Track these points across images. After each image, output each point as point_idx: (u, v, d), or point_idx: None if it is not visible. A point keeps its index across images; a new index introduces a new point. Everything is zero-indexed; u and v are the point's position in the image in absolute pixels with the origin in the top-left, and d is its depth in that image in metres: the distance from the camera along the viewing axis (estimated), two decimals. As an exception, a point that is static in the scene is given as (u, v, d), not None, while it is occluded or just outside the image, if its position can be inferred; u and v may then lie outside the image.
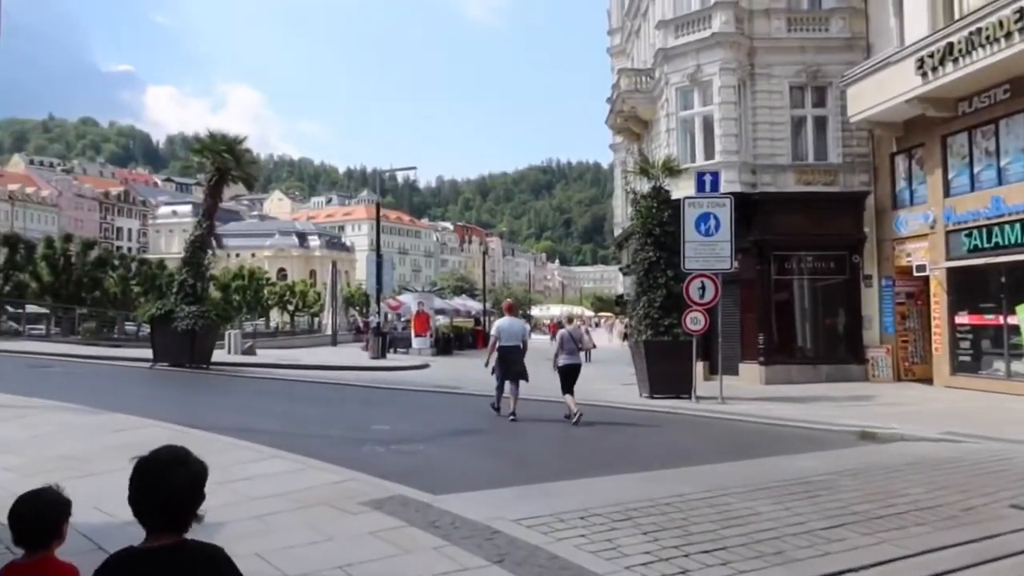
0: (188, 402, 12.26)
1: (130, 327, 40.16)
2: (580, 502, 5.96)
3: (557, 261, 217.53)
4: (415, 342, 33.77)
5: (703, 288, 15.07)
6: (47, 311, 40.21)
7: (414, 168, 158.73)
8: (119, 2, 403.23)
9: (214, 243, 18.40)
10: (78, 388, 12.49)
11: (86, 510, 5.24)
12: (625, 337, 24.59)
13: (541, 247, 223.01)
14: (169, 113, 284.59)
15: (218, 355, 20.72)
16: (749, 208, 19.35)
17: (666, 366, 15.42)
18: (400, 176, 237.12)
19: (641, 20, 28.60)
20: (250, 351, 27.03)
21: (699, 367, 16.08)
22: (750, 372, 19.81)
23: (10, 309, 37.72)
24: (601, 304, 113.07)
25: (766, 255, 20.34)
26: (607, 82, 33.48)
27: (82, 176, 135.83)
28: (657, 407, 14.13)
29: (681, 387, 15.31)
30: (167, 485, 1.94)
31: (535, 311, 78.65)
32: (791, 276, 20.87)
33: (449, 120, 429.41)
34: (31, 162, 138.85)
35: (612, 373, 23.54)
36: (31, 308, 38.74)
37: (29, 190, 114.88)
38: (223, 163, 17.37)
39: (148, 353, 18.22)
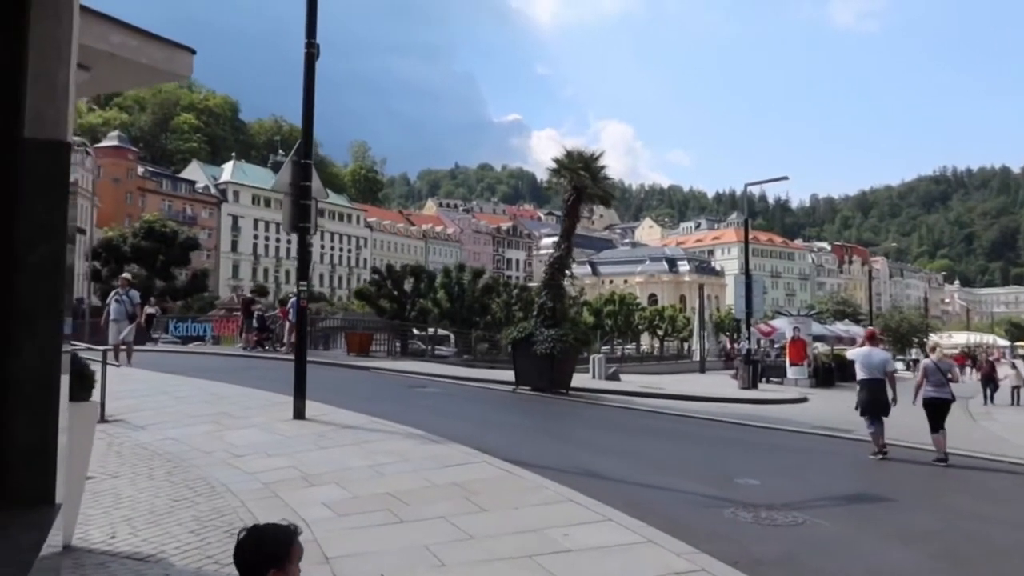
0: (534, 432, 11.50)
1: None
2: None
3: (957, 282, 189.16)
4: (790, 371, 30.59)
5: None
6: (447, 333, 44.86)
7: (785, 179, 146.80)
8: (507, 58, 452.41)
9: (573, 264, 17.84)
10: (434, 410, 12.51)
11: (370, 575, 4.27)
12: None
13: (936, 266, 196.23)
14: (550, 153, 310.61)
15: (581, 379, 20.25)
16: None
17: None
18: (771, 196, 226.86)
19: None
20: (614, 376, 26.46)
21: None
22: None
23: (415, 331, 42.44)
24: (1018, 332, 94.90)
25: None
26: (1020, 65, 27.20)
27: (479, 214, 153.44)
28: None
29: None
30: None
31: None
32: None
33: (821, 135, 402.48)
34: (440, 205, 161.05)
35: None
36: (433, 331, 43.26)
37: (438, 228, 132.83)
38: (579, 181, 16.83)
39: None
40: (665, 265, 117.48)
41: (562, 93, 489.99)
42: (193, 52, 5.14)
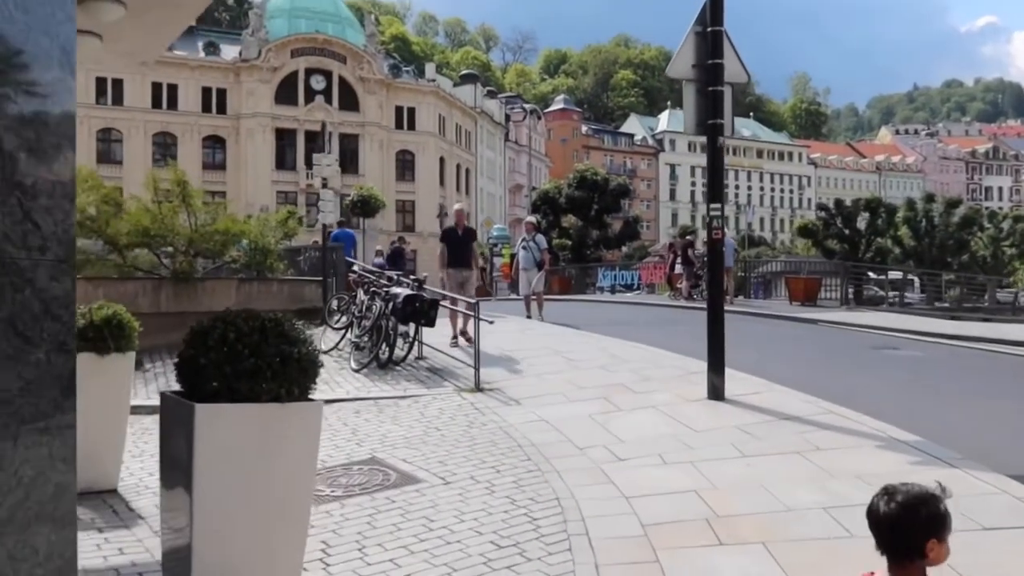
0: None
1: (1004, 296, 34.23)
2: None
3: None
4: None
5: None
6: (911, 277, 37.95)
7: None
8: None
9: None
10: (925, 390, 8.48)
11: None
12: None
13: None
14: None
15: None
16: None
17: None
18: None
19: None
20: None
21: None
22: None
23: (872, 275, 36.48)
24: None
25: None
26: None
27: (946, 138, 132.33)
28: None
29: None
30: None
31: None
32: None
33: None
34: (896, 132, 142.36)
35: None
36: (893, 274, 36.76)
37: (894, 159, 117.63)
38: None
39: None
40: None
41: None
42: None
